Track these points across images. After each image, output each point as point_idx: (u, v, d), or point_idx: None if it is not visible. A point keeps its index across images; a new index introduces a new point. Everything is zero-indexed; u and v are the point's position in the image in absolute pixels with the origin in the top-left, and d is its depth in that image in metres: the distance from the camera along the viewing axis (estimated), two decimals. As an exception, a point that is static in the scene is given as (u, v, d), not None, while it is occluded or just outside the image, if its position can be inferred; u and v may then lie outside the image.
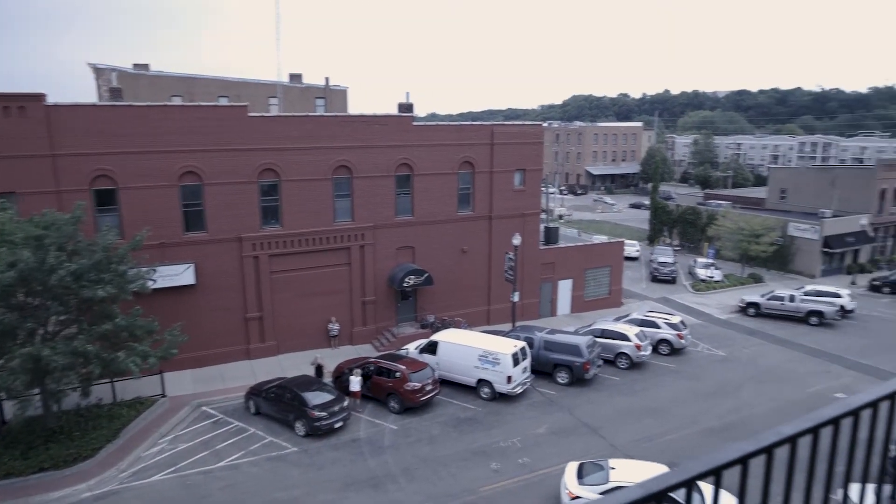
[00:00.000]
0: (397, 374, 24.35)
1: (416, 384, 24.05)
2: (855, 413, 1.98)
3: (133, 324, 20.59)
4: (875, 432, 2.12)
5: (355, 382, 24.64)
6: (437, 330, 30.38)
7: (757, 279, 46.58)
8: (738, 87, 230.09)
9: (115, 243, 21.95)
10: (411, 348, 28.91)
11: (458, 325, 32.17)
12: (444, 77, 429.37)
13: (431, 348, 27.17)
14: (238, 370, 28.47)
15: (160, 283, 25.29)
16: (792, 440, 1.78)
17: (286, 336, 30.54)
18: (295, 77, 49.07)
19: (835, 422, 1.91)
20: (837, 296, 38.56)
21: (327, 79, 49.27)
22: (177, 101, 38.48)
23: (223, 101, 41.17)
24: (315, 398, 22.51)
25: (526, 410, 24.75)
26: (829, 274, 48.91)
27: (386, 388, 24.58)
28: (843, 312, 37.73)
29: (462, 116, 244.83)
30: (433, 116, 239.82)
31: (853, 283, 46.37)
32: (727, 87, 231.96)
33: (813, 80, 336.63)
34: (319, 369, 26.99)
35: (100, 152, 25.42)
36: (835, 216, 49.83)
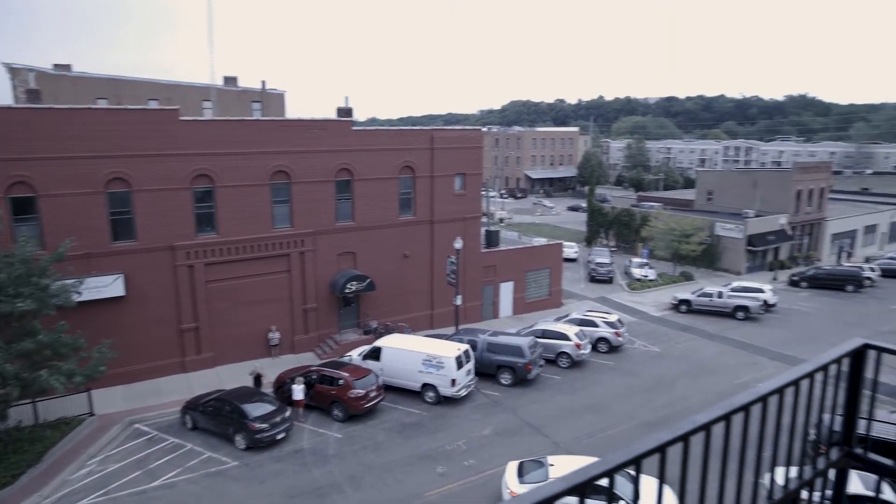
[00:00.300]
0: (340, 382, 24.03)
1: (360, 391, 23.81)
2: (763, 399, 2.12)
3: (57, 340, 19.45)
4: (782, 417, 2.28)
5: (298, 391, 24.15)
6: (381, 336, 30.19)
7: (688, 277, 48.68)
8: (668, 93, 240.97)
9: (36, 255, 20.70)
10: (354, 355, 28.60)
11: (401, 331, 32.06)
12: (384, 82, 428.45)
13: (375, 354, 26.98)
14: (173, 384, 27.35)
15: (86, 296, 24.01)
16: (706, 427, 1.89)
17: (224, 347, 29.60)
18: (230, 80, 47.77)
19: (745, 408, 2.04)
20: (761, 291, 40.80)
21: (264, 82, 48.24)
22: (102, 104, 36.70)
23: (153, 105, 39.60)
24: (255, 410, 21.91)
25: (471, 413, 24.92)
26: (753, 271, 51.69)
27: (329, 396, 24.21)
28: (767, 306, 39.96)
29: (402, 121, 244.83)
30: (373, 121, 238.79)
31: (775, 278, 49.19)
32: (657, 94, 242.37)
33: (735, 87, 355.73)
34: (258, 379, 26.30)
35: (16, 157, 23.90)
36: (757, 216, 52.74)
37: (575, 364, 29.94)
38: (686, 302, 40.14)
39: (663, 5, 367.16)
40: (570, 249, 54.60)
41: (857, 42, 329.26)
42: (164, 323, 27.97)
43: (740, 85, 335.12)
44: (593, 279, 48.53)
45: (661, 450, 1.75)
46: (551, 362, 29.85)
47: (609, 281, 48.12)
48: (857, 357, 2.57)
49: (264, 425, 21.59)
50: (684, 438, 1.81)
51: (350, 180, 31.86)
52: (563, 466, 17.72)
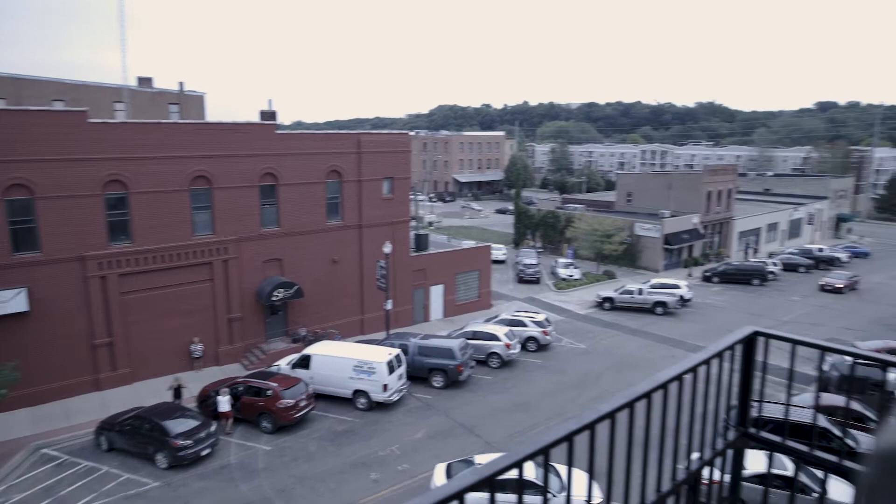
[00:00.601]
0: (269, 392, 23.36)
1: (290, 401, 23.24)
2: (664, 386, 2.26)
3: (-51, 361, 17.84)
4: (682, 401, 2.43)
5: (224, 402, 23.26)
6: (310, 343, 29.60)
7: (610, 275, 50.64)
8: (588, 99, 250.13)
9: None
10: (283, 364, 27.90)
11: (331, 337, 31.59)
12: (310, 85, 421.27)
13: (304, 362, 26.43)
14: (86, 404, 25.70)
15: (-16, 313, 22.18)
16: (611, 416, 2.00)
17: (143, 362, 28.10)
18: (144, 81, 45.49)
19: (647, 396, 2.17)
20: (677, 287, 43.03)
21: (181, 83, 46.28)
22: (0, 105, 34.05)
23: (59, 106, 37.11)
24: (177, 426, 20.93)
25: (403, 417, 24.87)
26: (670, 268, 54.45)
27: (257, 408, 23.48)
28: (683, 301, 42.17)
29: (329, 125, 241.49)
30: (299, 125, 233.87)
31: (689, 275, 52.02)
32: (579, 100, 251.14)
33: (650, 95, 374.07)
34: (178, 391, 25.16)
35: None
36: (672, 216, 55.62)
37: (505, 364, 30.47)
38: (609, 299, 41.72)
39: (582, 15, 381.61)
40: (499, 251, 55.55)
41: (757, 54, 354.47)
42: (75, 338, 26.24)
43: (655, 92, 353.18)
44: (521, 280, 49.59)
45: (569, 439, 1.83)
46: (482, 363, 30.25)
47: (536, 281, 49.31)
48: (749, 344, 2.78)
49: (187, 442, 20.66)
50: (590, 427, 1.91)
51: (275, 185, 31.09)
52: (494, 465, 17.98)
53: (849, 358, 2.91)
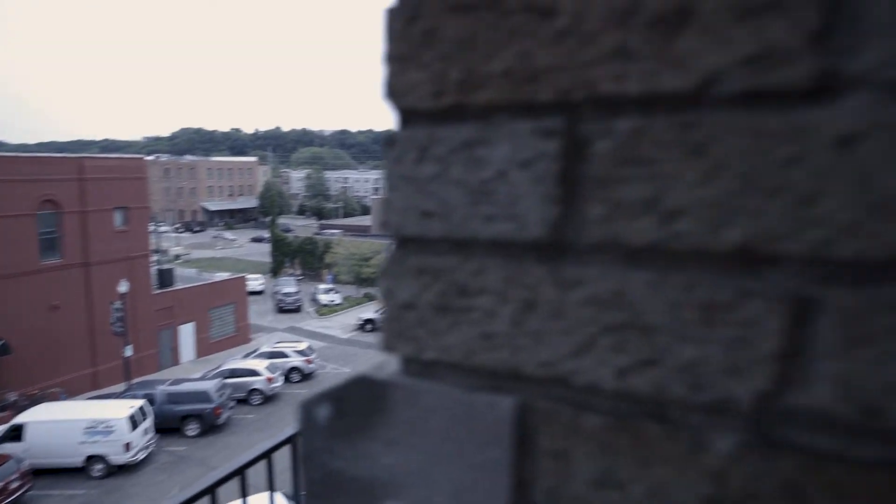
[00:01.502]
0: (-37, 478, 18.83)
1: (-5, 484, 19.03)
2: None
3: None
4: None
5: None
6: (23, 409, 24.65)
7: (371, 298, 52.07)
8: (341, 127, 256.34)
9: None
10: (-16, 440, 22.78)
11: (54, 398, 26.77)
12: (12, 101, 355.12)
13: (16, 434, 21.92)
14: None
15: None
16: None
17: None
18: None
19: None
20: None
21: None
22: None
23: None
24: None
25: (153, 476, 22.16)
26: (425, 286, 58.23)
27: (-54, 501, 18.73)
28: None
29: (42, 147, 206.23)
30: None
31: (442, 291, 56.31)
32: (332, 127, 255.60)
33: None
34: None
35: None
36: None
37: (268, 399, 29.19)
38: (370, 321, 42.82)
39: (331, 44, 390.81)
40: (256, 282, 53.27)
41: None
42: None
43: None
44: (281, 309, 48.20)
45: (267, 456, 1.94)
46: (243, 401, 28.53)
47: (297, 310, 48.40)
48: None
49: None
50: (266, 456, 2.03)
51: (-37, 221, 25.48)
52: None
53: None
